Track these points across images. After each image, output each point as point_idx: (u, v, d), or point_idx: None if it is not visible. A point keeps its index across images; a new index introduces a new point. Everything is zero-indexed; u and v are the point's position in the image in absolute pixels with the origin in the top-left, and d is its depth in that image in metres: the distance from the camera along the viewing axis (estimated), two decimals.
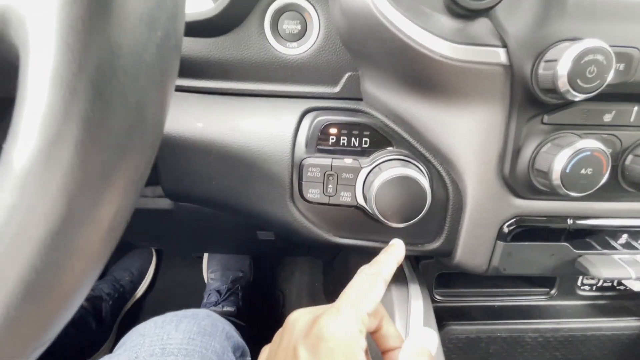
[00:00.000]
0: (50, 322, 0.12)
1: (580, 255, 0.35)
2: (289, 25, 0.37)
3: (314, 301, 0.98)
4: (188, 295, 1.03)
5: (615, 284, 0.48)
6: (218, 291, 0.91)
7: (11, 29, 0.10)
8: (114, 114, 0.11)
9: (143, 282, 1.06)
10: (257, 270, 1.04)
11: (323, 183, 0.35)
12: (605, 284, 0.47)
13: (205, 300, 0.91)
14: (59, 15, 0.10)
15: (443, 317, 0.45)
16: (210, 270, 0.98)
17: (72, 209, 0.11)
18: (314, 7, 0.37)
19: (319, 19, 0.37)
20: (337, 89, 0.39)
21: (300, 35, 0.37)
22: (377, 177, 0.32)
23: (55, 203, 0.10)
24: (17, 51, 0.11)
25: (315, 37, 0.37)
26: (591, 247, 0.36)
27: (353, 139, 0.36)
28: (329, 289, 0.91)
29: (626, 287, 0.48)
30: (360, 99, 0.39)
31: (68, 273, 0.11)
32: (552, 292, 0.47)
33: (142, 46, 0.11)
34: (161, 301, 1.05)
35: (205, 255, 1.04)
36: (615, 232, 0.36)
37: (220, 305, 0.86)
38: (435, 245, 0.37)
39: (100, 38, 0.10)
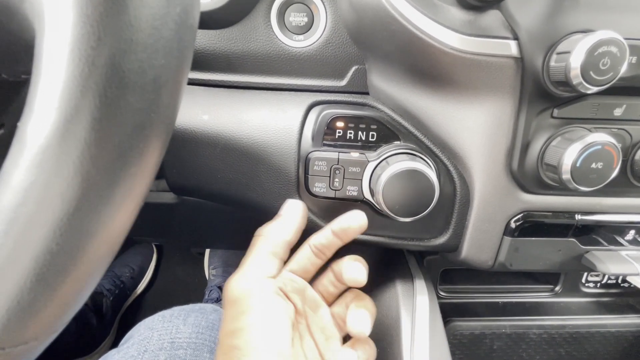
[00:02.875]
0: (64, 307, 0.11)
1: (587, 251, 0.35)
2: (295, 17, 0.37)
3: None
4: (189, 292, 1.03)
5: (619, 281, 0.48)
6: (220, 287, 0.90)
7: (26, 4, 0.10)
8: (132, 91, 0.10)
9: (144, 278, 1.06)
10: None
11: (329, 177, 0.35)
12: (609, 281, 0.47)
13: (206, 297, 0.91)
14: None
15: (447, 313, 0.45)
16: (212, 267, 0.98)
17: (87, 189, 0.10)
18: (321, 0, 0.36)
19: (325, 12, 0.36)
20: (343, 83, 0.38)
21: (307, 27, 0.37)
22: (385, 171, 0.31)
23: (71, 182, 0.10)
24: (33, 26, 0.10)
25: (322, 30, 0.37)
26: (598, 243, 0.36)
27: (360, 132, 0.35)
28: None
29: (630, 284, 0.48)
30: (367, 93, 0.38)
31: (83, 256, 0.11)
32: (557, 288, 0.47)
33: (161, 21, 0.11)
34: (162, 297, 1.05)
35: (207, 252, 1.04)
36: (623, 228, 0.35)
37: (222, 302, 0.86)
38: (441, 240, 0.37)
39: (120, 11, 0.10)
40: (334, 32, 0.37)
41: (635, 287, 0.47)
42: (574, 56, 0.25)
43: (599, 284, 0.48)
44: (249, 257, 0.31)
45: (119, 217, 0.12)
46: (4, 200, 0.10)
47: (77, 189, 0.10)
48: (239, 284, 0.28)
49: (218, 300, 0.88)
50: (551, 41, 0.27)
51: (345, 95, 0.38)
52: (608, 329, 0.44)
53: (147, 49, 0.11)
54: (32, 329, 0.11)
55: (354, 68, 0.38)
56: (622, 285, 0.48)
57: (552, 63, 0.26)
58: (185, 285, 1.07)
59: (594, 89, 0.25)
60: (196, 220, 0.59)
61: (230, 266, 0.98)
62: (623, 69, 0.25)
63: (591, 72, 0.24)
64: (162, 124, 0.12)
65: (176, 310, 0.41)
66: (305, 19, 0.37)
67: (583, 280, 0.48)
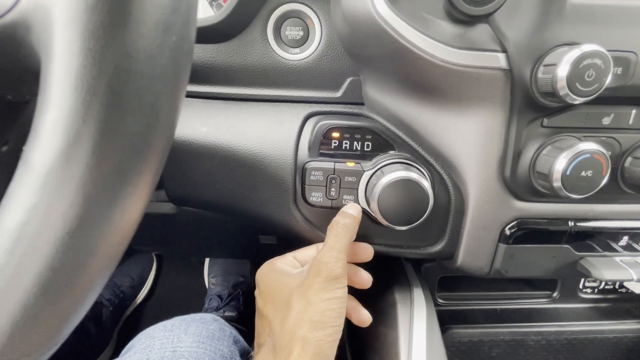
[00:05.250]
0: (65, 321, 0.12)
1: (581, 258, 0.35)
2: (291, 31, 0.38)
3: None
4: (189, 301, 1.02)
5: (616, 286, 0.48)
6: (219, 296, 0.90)
7: (32, 35, 0.11)
8: (130, 116, 0.11)
9: (143, 288, 1.06)
10: None
11: (326, 186, 0.35)
12: (607, 287, 0.47)
13: (206, 305, 0.91)
14: (82, 22, 0.10)
15: (446, 320, 0.45)
16: (212, 275, 0.98)
17: (88, 208, 0.11)
18: (316, 13, 0.37)
19: (320, 25, 0.37)
20: (339, 94, 0.39)
21: (303, 41, 0.38)
22: (380, 181, 0.32)
23: (73, 202, 0.11)
24: (38, 56, 0.11)
25: (317, 43, 0.38)
26: (592, 249, 0.36)
27: (355, 142, 0.36)
28: None
29: (628, 289, 0.48)
30: (362, 104, 0.39)
31: (83, 271, 0.11)
32: (554, 295, 0.47)
33: (158, 50, 0.11)
34: (162, 307, 1.04)
35: (207, 261, 1.04)
36: (616, 234, 0.36)
37: (221, 310, 0.86)
38: (437, 248, 0.37)
39: (119, 43, 0.10)
40: (328, 45, 0.38)
41: (632, 292, 0.47)
42: (560, 68, 0.25)
43: (596, 290, 0.48)
44: (341, 243, 0.32)
45: (119, 233, 0.12)
46: (9, 220, 0.10)
47: (79, 208, 0.11)
48: (337, 264, 0.30)
49: (218, 309, 0.88)
50: (538, 53, 0.27)
51: (341, 106, 0.39)
52: (606, 335, 0.44)
53: (144, 76, 0.11)
54: (35, 341, 0.11)
55: (348, 79, 0.39)
56: (619, 290, 0.48)
57: (540, 75, 0.27)
58: (185, 294, 1.06)
59: (580, 100, 0.26)
60: (195, 230, 0.60)
61: (230, 274, 0.98)
62: (608, 80, 0.25)
63: (577, 84, 0.25)
64: (160, 145, 0.13)
65: (177, 320, 0.41)
66: (301, 33, 0.38)
67: (580, 286, 0.48)
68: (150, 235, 0.62)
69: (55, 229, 0.11)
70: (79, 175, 0.11)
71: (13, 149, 0.20)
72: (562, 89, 0.26)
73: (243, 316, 0.90)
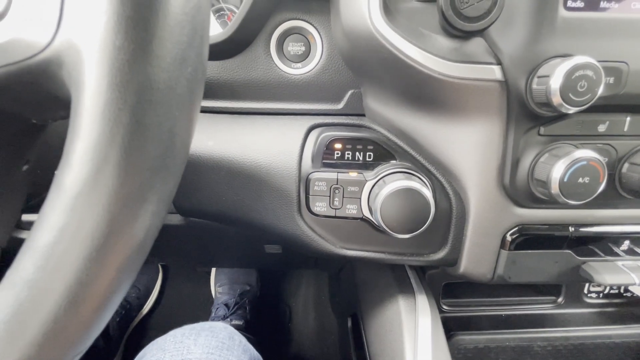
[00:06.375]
0: (90, 330, 0.13)
1: (584, 262, 0.36)
2: (293, 47, 0.39)
3: (321, 314, 0.98)
4: (195, 310, 1.03)
5: (621, 291, 0.48)
6: (226, 305, 0.91)
7: (64, 71, 0.12)
8: (150, 142, 0.12)
9: (150, 298, 1.06)
10: (263, 283, 1.04)
11: (329, 196, 0.36)
12: (612, 292, 0.48)
13: (213, 314, 0.91)
14: (110, 60, 0.11)
15: (451, 327, 0.45)
16: (218, 284, 0.99)
17: (113, 227, 0.12)
18: (317, 29, 0.39)
19: (321, 41, 0.39)
20: (340, 106, 0.40)
21: (305, 56, 0.39)
22: (382, 190, 0.33)
23: (99, 222, 0.12)
24: (68, 89, 0.12)
25: (318, 58, 0.39)
26: (594, 254, 0.37)
27: (357, 153, 0.37)
28: (335, 302, 0.91)
29: (633, 294, 0.48)
30: (363, 115, 0.40)
31: (108, 284, 0.12)
32: (559, 300, 0.47)
33: (176, 82, 0.12)
34: (168, 316, 1.05)
35: (213, 270, 1.05)
36: (617, 238, 0.36)
37: (228, 319, 0.87)
38: (440, 255, 0.38)
39: (143, 78, 0.12)
40: (330, 59, 0.39)
41: (638, 296, 0.47)
42: (554, 79, 0.26)
43: (601, 294, 0.48)
44: None
45: (139, 247, 0.13)
46: (42, 239, 0.12)
47: (104, 226, 0.12)
48: None
49: (225, 317, 0.89)
50: (532, 65, 0.28)
51: (343, 117, 0.40)
52: (613, 340, 0.44)
53: (163, 106, 0.12)
54: (62, 350, 0.12)
55: (350, 92, 0.40)
56: (624, 295, 0.48)
57: (534, 86, 0.28)
58: (191, 304, 1.07)
59: (574, 109, 0.27)
60: (202, 241, 0.61)
61: (237, 283, 0.98)
62: (600, 91, 0.26)
63: (570, 94, 0.26)
64: (176, 165, 0.14)
65: (187, 329, 0.42)
66: (303, 48, 0.39)
67: (585, 291, 0.48)
68: (157, 247, 0.63)
69: (83, 246, 0.12)
70: (105, 197, 0.12)
71: (32, 167, 0.21)
72: (556, 99, 0.26)
73: (250, 324, 0.90)
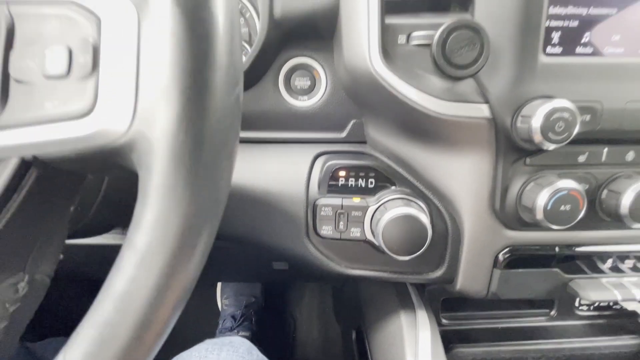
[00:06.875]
0: (152, 353, 0.16)
1: (570, 280, 0.39)
2: (300, 81, 0.43)
3: (325, 325, 1.00)
4: (202, 322, 1.05)
5: (611, 303, 0.51)
6: (233, 317, 0.93)
7: (134, 154, 0.15)
8: (206, 201, 0.15)
9: None
10: (268, 294, 1.07)
11: (335, 220, 0.39)
12: (601, 304, 0.50)
13: (220, 326, 0.94)
14: (174, 152, 0.14)
15: (450, 339, 0.48)
16: (224, 297, 1.01)
17: (174, 274, 0.15)
18: (321, 66, 0.42)
19: (326, 76, 0.42)
20: (343, 134, 0.44)
21: (310, 89, 0.43)
22: (383, 216, 0.36)
23: (163, 272, 0.15)
24: (136, 168, 0.15)
25: (323, 91, 0.43)
26: (581, 271, 0.40)
27: (360, 180, 0.40)
28: (339, 313, 0.93)
29: (622, 306, 0.50)
30: (365, 142, 0.43)
31: (168, 315, 0.16)
32: (552, 313, 0.50)
33: (223, 149, 0.16)
34: (176, 328, 1.07)
35: (219, 283, 1.07)
36: (601, 257, 0.39)
37: (235, 331, 0.89)
38: (438, 273, 0.40)
39: (200, 164, 0.15)
40: (333, 92, 0.42)
41: (626, 309, 0.50)
42: (535, 119, 0.30)
43: (592, 307, 0.50)
44: None
45: (193, 281, 0.16)
46: (116, 286, 0.15)
47: (167, 275, 0.15)
48: None
49: (232, 329, 0.91)
50: (516, 105, 0.32)
51: (346, 145, 0.44)
52: (602, 351, 0.46)
53: (213, 180, 0.16)
54: None
55: (352, 122, 0.43)
56: (614, 307, 0.51)
57: (519, 124, 0.31)
58: (197, 316, 1.09)
59: (553, 146, 0.30)
60: (211, 258, 0.63)
61: (242, 295, 1.01)
62: (576, 130, 0.29)
63: (549, 133, 0.29)
64: (222, 208, 0.17)
65: (209, 344, 0.45)
66: (309, 82, 0.43)
67: (576, 304, 0.50)
68: None
69: (150, 292, 0.15)
70: (168, 253, 0.15)
71: (77, 208, 0.24)
72: (537, 137, 0.30)
73: (256, 336, 0.92)
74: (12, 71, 0.15)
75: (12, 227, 0.17)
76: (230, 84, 0.16)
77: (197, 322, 1.07)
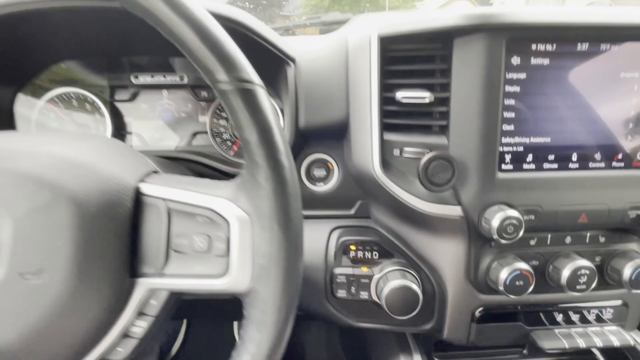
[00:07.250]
0: None
1: (531, 331, 0.50)
2: (317, 172, 0.55)
3: (332, 354, 1.09)
4: (219, 352, 1.14)
5: None
6: None
7: (247, 298, 0.26)
8: (288, 312, 0.27)
9: (176, 341, 1.17)
10: None
11: (347, 285, 0.51)
12: None
13: None
14: (275, 303, 0.25)
15: None
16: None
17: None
18: (334, 159, 0.54)
19: (338, 168, 0.54)
20: (352, 212, 0.55)
21: (326, 177, 0.55)
22: (385, 285, 0.47)
23: None
24: (245, 305, 0.26)
25: (336, 179, 0.54)
26: (541, 323, 0.51)
27: (366, 252, 0.52)
28: (345, 341, 1.03)
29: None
30: (369, 217, 0.55)
31: None
32: (524, 351, 0.60)
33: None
34: (194, 358, 1.15)
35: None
36: (556, 312, 0.50)
37: None
38: (429, 326, 0.52)
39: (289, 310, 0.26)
40: (344, 180, 0.54)
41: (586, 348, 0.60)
42: (493, 223, 0.41)
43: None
44: None
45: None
46: None
47: None
48: None
49: None
50: (481, 208, 0.44)
51: (354, 219, 0.55)
52: None
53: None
54: None
55: (359, 202, 0.55)
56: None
57: (482, 224, 0.43)
58: (215, 345, 1.18)
59: (507, 242, 0.42)
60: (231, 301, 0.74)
61: None
62: (522, 232, 0.41)
63: (503, 233, 0.41)
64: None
65: None
66: (324, 172, 0.55)
67: None
68: (204, 310, 0.76)
69: None
70: (274, 354, 0.26)
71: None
72: (495, 235, 0.41)
73: None
74: (172, 245, 0.27)
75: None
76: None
77: (213, 353, 1.16)
